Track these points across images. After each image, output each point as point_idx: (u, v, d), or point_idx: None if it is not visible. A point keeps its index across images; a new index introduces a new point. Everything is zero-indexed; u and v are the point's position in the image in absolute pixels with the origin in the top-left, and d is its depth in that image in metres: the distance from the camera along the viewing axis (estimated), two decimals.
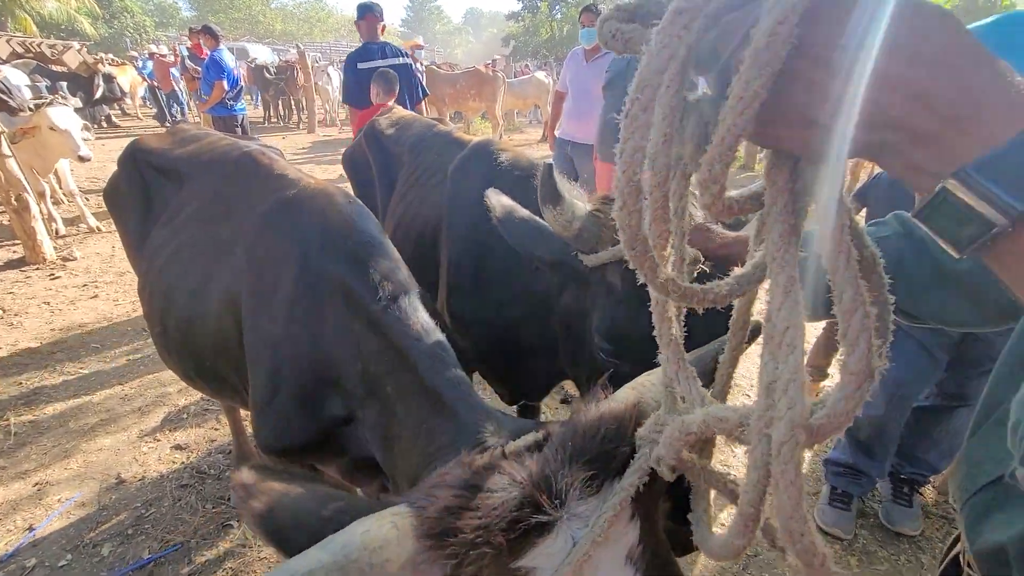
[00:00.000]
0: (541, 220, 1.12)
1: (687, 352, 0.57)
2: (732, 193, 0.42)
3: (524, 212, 1.13)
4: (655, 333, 0.54)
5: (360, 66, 4.30)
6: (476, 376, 1.88)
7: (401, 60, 4.42)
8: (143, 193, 1.82)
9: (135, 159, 1.88)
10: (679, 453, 0.54)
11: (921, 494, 2.28)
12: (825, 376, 3.10)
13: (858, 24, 0.33)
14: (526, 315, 1.36)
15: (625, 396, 0.70)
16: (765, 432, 0.39)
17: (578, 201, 1.05)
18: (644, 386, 0.73)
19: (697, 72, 0.41)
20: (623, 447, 0.62)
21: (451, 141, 1.87)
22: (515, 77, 14.21)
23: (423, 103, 4.73)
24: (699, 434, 0.50)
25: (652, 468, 0.59)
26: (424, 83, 4.75)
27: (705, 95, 0.41)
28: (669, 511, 1.04)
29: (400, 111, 2.51)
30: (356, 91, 4.32)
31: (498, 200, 1.12)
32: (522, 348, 1.42)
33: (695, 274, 0.80)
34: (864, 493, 2.31)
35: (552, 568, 0.57)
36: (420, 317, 1.06)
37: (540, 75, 13.01)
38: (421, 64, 8.22)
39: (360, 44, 4.51)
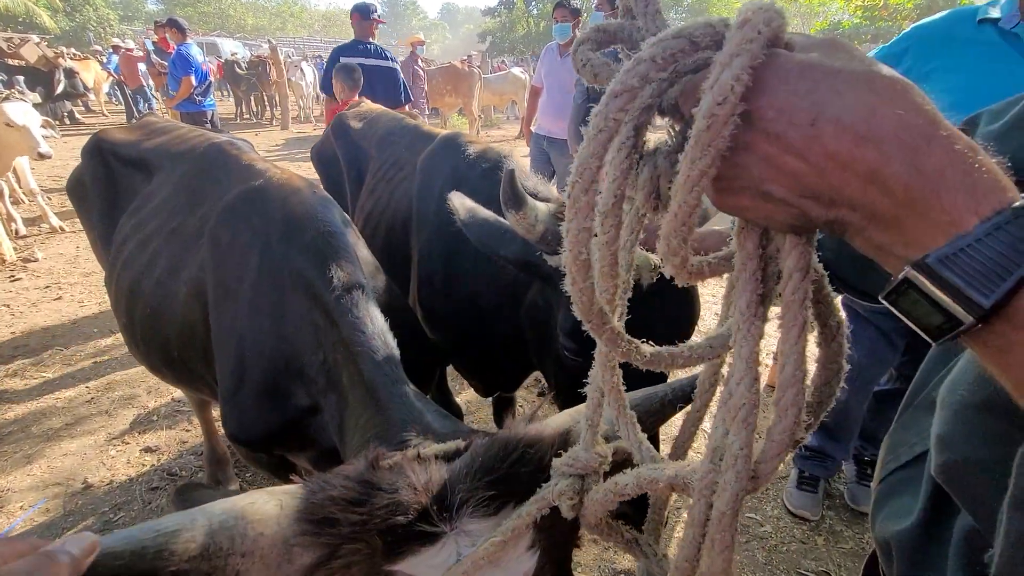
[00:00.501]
0: (504, 220, 1.13)
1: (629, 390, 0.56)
2: (698, 259, 0.41)
3: (487, 213, 1.14)
4: (594, 379, 0.54)
5: (343, 59, 4.35)
6: (450, 369, 1.88)
7: (387, 63, 4.48)
8: (109, 185, 1.80)
9: (100, 150, 1.84)
10: (606, 511, 0.53)
11: None
12: None
13: (805, 99, 0.32)
14: (496, 307, 1.37)
15: (558, 422, 0.69)
16: (705, 495, 0.40)
17: (541, 203, 1.06)
18: (574, 415, 0.71)
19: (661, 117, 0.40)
20: (535, 472, 0.60)
21: (420, 134, 1.86)
22: (492, 73, 14.18)
23: (405, 108, 4.72)
24: (631, 493, 0.50)
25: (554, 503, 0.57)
26: (424, 85, 4.71)
27: (663, 145, 0.41)
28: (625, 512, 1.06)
29: (368, 104, 2.48)
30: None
31: (461, 202, 1.13)
32: (493, 340, 1.43)
33: (654, 279, 0.81)
34: (830, 475, 2.39)
35: None
36: (369, 310, 1.06)
37: (517, 71, 13.01)
38: (422, 61, 8.13)
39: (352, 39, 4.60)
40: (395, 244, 1.65)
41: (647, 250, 0.89)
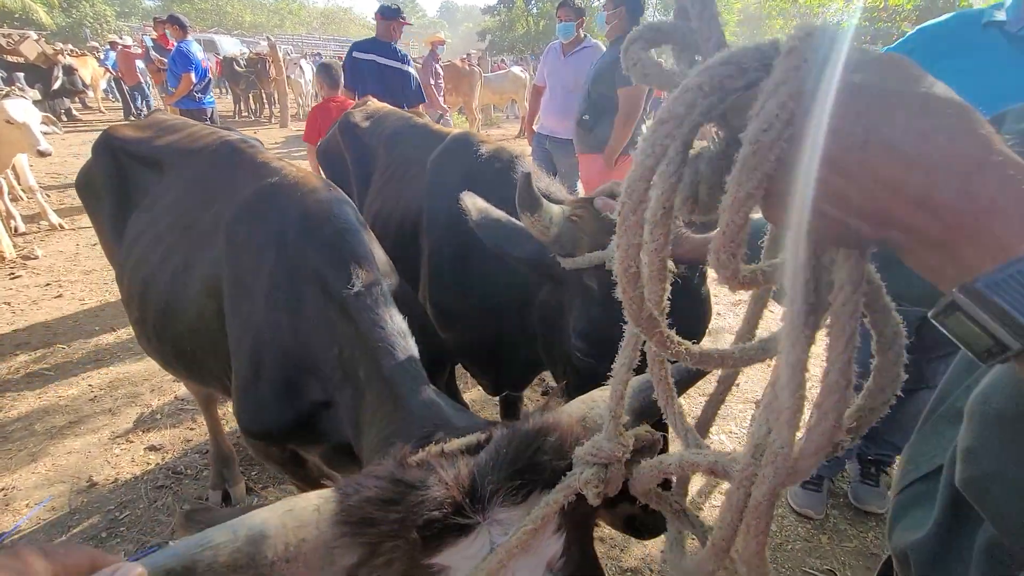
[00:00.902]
0: (517, 221, 1.14)
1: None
2: (750, 268, 0.42)
3: (499, 213, 1.14)
4: (617, 374, 0.57)
5: (355, 54, 4.43)
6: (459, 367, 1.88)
7: (400, 66, 4.50)
8: (120, 182, 1.80)
9: (111, 147, 1.84)
10: (650, 486, 0.57)
11: (887, 473, 2.38)
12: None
13: (855, 122, 0.32)
14: (507, 307, 1.37)
15: (573, 410, 0.72)
16: (745, 485, 0.43)
17: (555, 206, 1.07)
18: (595, 402, 0.75)
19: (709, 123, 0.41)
20: (557, 460, 0.63)
21: (429, 134, 1.86)
22: (491, 72, 14.16)
23: (419, 108, 4.73)
24: (674, 473, 0.54)
25: (580, 490, 0.60)
26: (443, 84, 4.68)
27: (705, 150, 0.41)
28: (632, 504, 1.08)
29: (375, 103, 2.48)
30: (347, 77, 4.51)
31: (473, 202, 1.13)
32: (503, 339, 1.44)
33: (672, 279, 0.82)
34: (834, 475, 2.40)
35: (467, 570, 0.58)
36: (387, 306, 1.08)
37: (517, 70, 13.00)
38: (439, 61, 8.16)
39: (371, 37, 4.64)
40: (404, 243, 1.65)
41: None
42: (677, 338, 0.46)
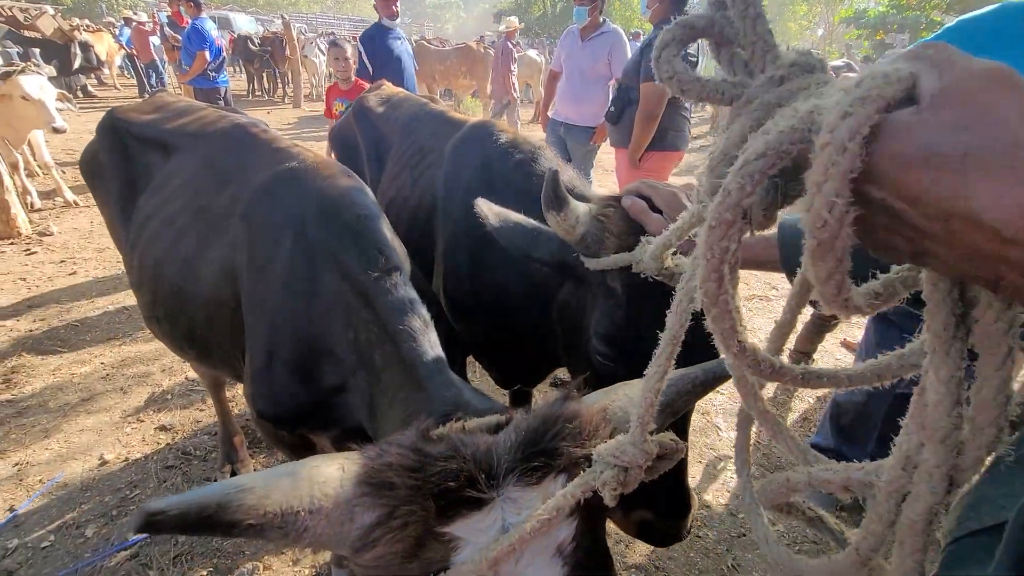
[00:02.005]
0: (534, 222, 1.11)
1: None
2: (863, 293, 0.39)
3: (516, 216, 1.12)
4: (648, 380, 0.57)
5: (365, 42, 4.72)
6: (471, 360, 1.86)
7: (397, 48, 4.74)
8: (126, 163, 1.79)
9: (115, 128, 1.82)
10: (777, 503, 0.56)
11: None
12: (811, 362, 3.15)
13: (931, 192, 0.29)
14: (524, 302, 1.34)
15: (594, 400, 0.73)
16: (894, 497, 0.41)
17: (581, 204, 1.04)
18: (618, 396, 0.75)
19: None
20: (575, 447, 0.64)
21: (445, 121, 1.81)
22: None
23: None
24: (804, 490, 0.52)
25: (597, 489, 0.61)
26: (515, 72, 4.94)
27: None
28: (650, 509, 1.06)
29: (390, 88, 2.43)
30: (362, 66, 4.67)
31: (489, 208, 1.11)
32: (518, 334, 1.41)
33: None
34: None
35: (478, 543, 0.60)
36: (407, 292, 1.09)
37: (532, 53, 12.79)
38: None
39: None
40: (418, 233, 1.62)
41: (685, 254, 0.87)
42: (771, 359, 0.44)
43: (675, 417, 0.73)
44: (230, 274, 1.28)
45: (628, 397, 0.75)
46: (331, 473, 0.61)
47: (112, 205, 1.82)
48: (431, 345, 1.02)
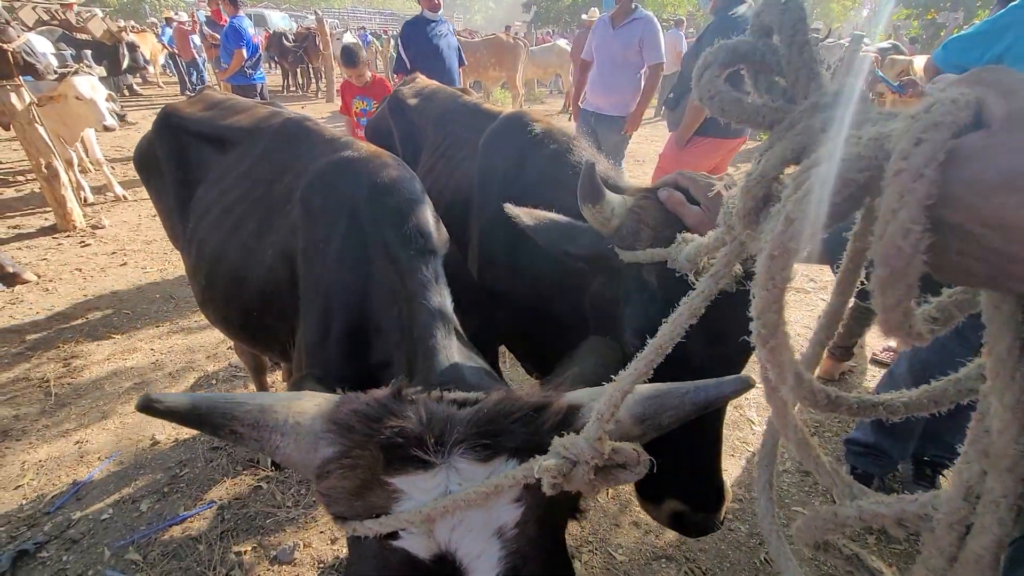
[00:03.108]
0: (567, 218, 1.12)
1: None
2: (926, 318, 0.39)
3: (549, 215, 1.13)
4: (622, 379, 0.56)
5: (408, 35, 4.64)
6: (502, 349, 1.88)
7: (448, 32, 4.73)
8: (182, 158, 1.87)
9: (170, 125, 1.91)
10: (819, 539, 0.53)
11: (944, 476, 2.27)
12: (850, 356, 3.06)
13: (1011, 240, 0.29)
14: (555, 292, 1.35)
15: (576, 395, 0.73)
16: (956, 529, 0.39)
17: (617, 196, 1.03)
18: (593, 396, 0.73)
19: None
20: (531, 435, 0.66)
21: (479, 113, 1.83)
22: (536, 45, 13.84)
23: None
24: (854, 526, 0.50)
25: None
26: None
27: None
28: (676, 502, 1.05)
29: (423, 80, 2.46)
30: (399, 60, 4.71)
31: (519, 209, 1.13)
32: (550, 325, 1.42)
33: (735, 289, 0.76)
34: (885, 474, 2.30)
35: (418, 500, 0.64)
36: (436, 270, 1.14)
37: (562, 43, 12.66)
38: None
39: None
40: (453, 225, 1.64)
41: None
42: (825, 390, 0.42)
43: (659, 432, 0.69)
44: (287, 257, 1.35)
45: (598, 396, 0.73)
46: (308, 407, 0.70)
47: (168, 198, 1.91)
48: (444, 319, 1.06)
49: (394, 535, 0.64)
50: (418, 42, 4.55)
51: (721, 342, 0.97)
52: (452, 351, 1.01)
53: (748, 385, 0.67)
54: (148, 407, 0.65)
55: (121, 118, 9.11)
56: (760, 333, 0.40)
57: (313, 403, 0.71)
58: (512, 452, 0.65)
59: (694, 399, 0.68)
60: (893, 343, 3.20)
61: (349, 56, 4.28)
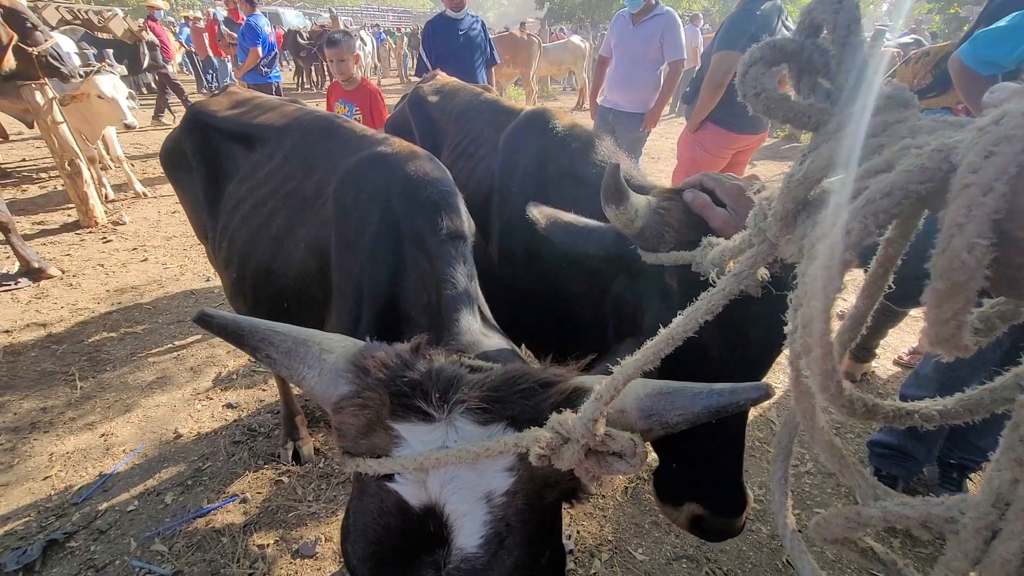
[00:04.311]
0: (586, 219, 1.11)
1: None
2: (973, 331, 0.38)
3: (568, 216, 1.12)
4: (626, 365, 0.56)
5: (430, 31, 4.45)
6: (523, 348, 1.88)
7: (472, 29, 4.50)
8: (211, 154, 1.90)
9: (199, 122, 1.94)
10: (840, 536, 0.53)
11: (971, 479, 2.23)
12: (872, 357, 3.01)
13: None
14: (575, 292, 1.34)
15: (585, 379, 0.73)
16: (982, 534, 0.39)
17: (641, 197, 1.02)
18: (601, 383, 0.73)
19: None
20: (531, 407, 0.69)
21: (501, 110, 1.82)
22: (549, 41, 13.78)
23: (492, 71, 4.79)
24: (878, 526, 0.50)
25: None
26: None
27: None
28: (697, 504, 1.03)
29: (444, 77, 2.46)
30: (420, 63, 4.60)
31: (540, 211, 1.12)
32: (569, 324, 1.41)
33: (760, 293, 0.75)
34: (910, 476, 2.26)
35: (415, 449, 0.67)
36: (464, 255, 1.17)
37: (576, 39, 12.59)
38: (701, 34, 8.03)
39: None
40: (474, 221, 1.65)
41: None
42: (862, 397, 0.42)
43: (668, 431, 0.67)
44: (319, 250, 1.38)
45: (605, 383, 0.73)
46: (336, 345, 0.76)
47: (197, 193, 1.94)
48: (470, 300, 1.09)
49: (390, 477, 0.68)
50: (439, 43, 4.41)
51: (746, 346, 0.96)
52: (475, 327, 1.04)
53: (766, 395, 0.65)
54: (202, 320, 0.74)
55: (159, 113, 9.28)
56: (806, 342, 0.39)
57: (341, 345, 0.76)
58: (511, 421, 0.67)
59: (706, 403, 0.66)
60: (916, 345, 3.14)
61: (332, 39, 3.98)
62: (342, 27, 12.23)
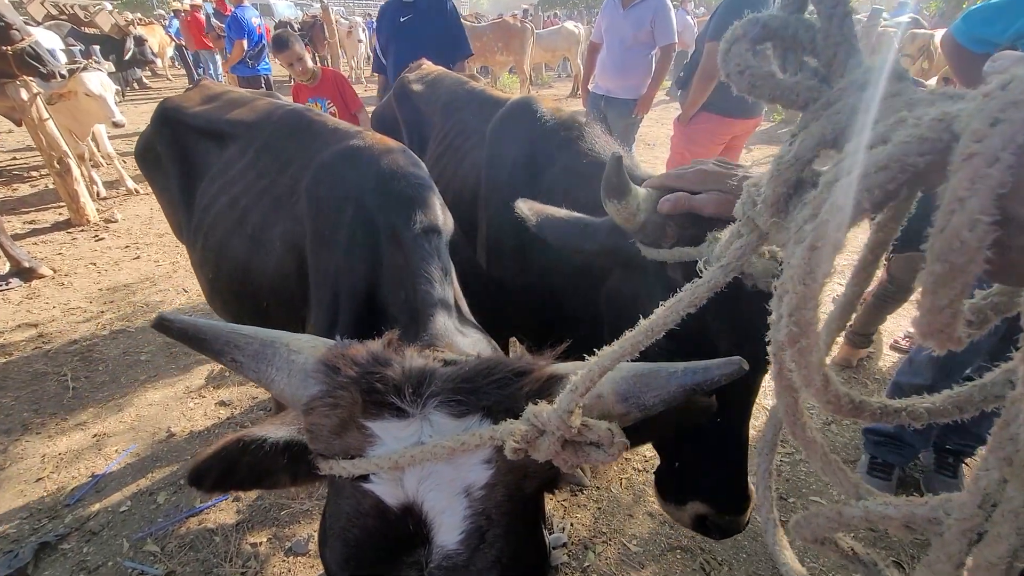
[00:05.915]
0: (577, 214, 1.08)
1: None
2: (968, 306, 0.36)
3: (560, 212, 1.09)
4: (603, 356, 0.54)
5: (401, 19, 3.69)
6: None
7: (423, 20, 3.69)
8: (183, 152, 1.87)
9: (168, 119, 1.90)
10: (821, 536, 0.52)
11: (967, 465, 2.22)
12: (868, 343, 2.99)
13: None
14: (567, 285, 1.31)
15: (560, 367, 0.71)
16: (967, 535, 0.37)
17: (642, 190, 0.99)
18: (578, 370, 0.72)
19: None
20: (505, 397, 0.67)
21: (486, 99, 1.78)
22: (543, 28, 13.61)
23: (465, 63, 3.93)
24: (860, 527, 0.49)
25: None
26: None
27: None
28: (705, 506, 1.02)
29: (429, 66, 2.41)
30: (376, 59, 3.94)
31: (529, 207, 1.09)
32: (561, 318, 1.39)
33: (769, 287, 0.74)
34: (906, 463, 2.26)
35: (390, 447, 0.66)
36: (439, 249, 1.16)
37: (570, 25, 12.43)
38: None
39: None
40: (462, 215, 1.61)
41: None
42: (849, 393, 0.40)
43: (645, 413, 0.66)
44: (295, 247, 1.36)
45: (581, 373, 0.71)
46: (304, 345, 0.74)
47: (172, 191, 1.91)
48: (445, 293, 1.08)
49: (366, 478, 0.66)
50: (386, 30, 3.71)
51: (752, 342, 0.94)
52: (450, 322, 1.03)
53: (740, 369, 0.64)
54: (161, 325, 0.71)
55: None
56: (791, 332, 0.37)
57: (310, 345, 0.74)
58: (486, 411, 0.66)
59: (681, 381, 0.65)
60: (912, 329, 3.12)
61: (278, 42, 3.69)
62: (335, 19, 12.07)
